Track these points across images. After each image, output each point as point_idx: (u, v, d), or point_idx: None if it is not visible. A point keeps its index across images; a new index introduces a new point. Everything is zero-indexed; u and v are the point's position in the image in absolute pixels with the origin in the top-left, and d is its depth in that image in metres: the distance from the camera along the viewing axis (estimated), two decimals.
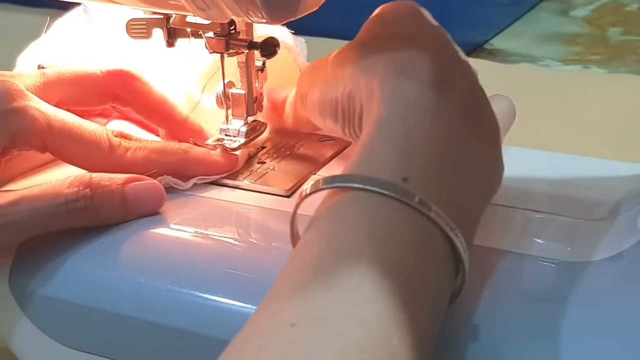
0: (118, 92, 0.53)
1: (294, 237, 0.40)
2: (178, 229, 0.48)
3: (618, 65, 1.05)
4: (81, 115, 0.51)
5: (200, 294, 0.44)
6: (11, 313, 0.48)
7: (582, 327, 0.40)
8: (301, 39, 0.60)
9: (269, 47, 0.53)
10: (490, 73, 1.00)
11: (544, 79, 1.00)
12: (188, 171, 0.51)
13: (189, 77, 0.56)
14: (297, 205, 0.40)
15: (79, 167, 0.50)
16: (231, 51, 0.52)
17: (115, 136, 0.50)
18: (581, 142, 0.81)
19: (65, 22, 0.58)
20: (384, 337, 0.33)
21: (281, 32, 0.57)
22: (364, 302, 0.34)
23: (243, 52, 0.52)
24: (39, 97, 0.49)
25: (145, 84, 0.54)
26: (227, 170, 0.53)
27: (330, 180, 0.38)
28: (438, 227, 0.37)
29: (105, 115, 0.56)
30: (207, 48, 0.52)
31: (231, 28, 0.52)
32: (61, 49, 0.57)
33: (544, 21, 1.22)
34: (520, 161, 0.54)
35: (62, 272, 0.47)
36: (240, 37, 0.52)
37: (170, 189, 0.51)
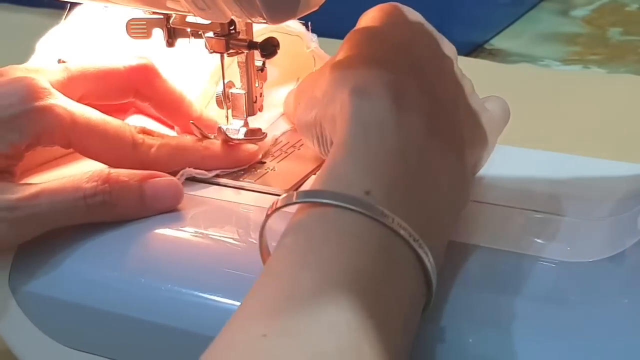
0: (139, 87, 0.54)
1: (263, 251, 0.41)
2: (178, 229, 0.48)
3: (618, 65, 1.05)
4: (101, 109, 0.51)
5: (200, 294, 0.44)
6: (11, 313, 0.48)
7: (582, 327, 0.40)
8: (313, 35, 0.60)
9: (269, 47, 0.53)
10: (490, 73, 1.00)
11: (544, 79, 1.00)
12: (210, 167, 0.52)
13: (204, 72, 0.57)
14: (266, 219, 0.41)
15: (103, 163, 0.50)
16: (231, 51, 0.52)
17: (139, 132, 0.51)
18: (581, 142, 0.81)
19: (84, 10, 0.58)
20: (354, 344, 0.34)
21: (292, 22, 0.57)
22: (334, 311, 0.34)
23: (243, 52, 0.52)
24: (63, 93, 0.49)
25: (165, 81, 0.54)
26: (249, 163, 0.53)
27: (303, 195, 0.39)
28: (403, 239, 0.38)
29: (123, 110, 0.56)
30: (207, 48, 0.52)
31: (231, 28, 0.52)
32: (80, 37, 0.57)
33: (544, 21, 1.22)
34: (520, 161, 0.55)
35: (62, 272, 0.47)
36: (240, 37, 0.52)
37: None
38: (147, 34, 0.53)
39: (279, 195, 0.51)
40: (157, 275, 0.46)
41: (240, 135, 0.54)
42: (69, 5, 0.58)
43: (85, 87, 0.52)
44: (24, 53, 0.58)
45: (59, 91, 0.49)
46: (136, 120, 0.55)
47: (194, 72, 0.57)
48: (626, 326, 0.40)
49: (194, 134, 0.54)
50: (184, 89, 0.55)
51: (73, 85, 0.51)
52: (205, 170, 0.52)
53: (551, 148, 0.57)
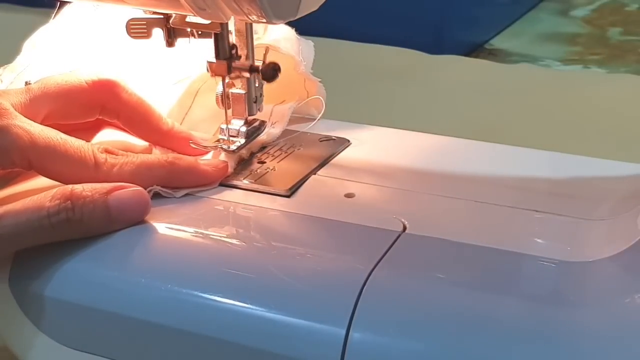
0: (105, 103, 0.53)
1: None
2: (178, 229, 0.48)
3: (618, 65, 1.05)
4: (72, 129, 0.50)
5: (200, 294, 0.44)
6: (11, 313, 0.48)
7: (582, 327, 0.40)
8: (310, 42, 0.59)
9: (270, 72, 0.53)
10: (490, 73, 1.00)
11: (544, 79, 1.00)
12: (177, 183, 0.51)
13: (181, 82, 0.56)
14: None
15: (64, 184, 0.49)
16: (232, 75, 0.53)
17: (101, 152, 0.49)
18: (581, 142, 0.81)
19: (73, 9, 0.58)
20: None
21: (287, 40, 0.57)
22: None
23: (244, 76, 0.53)
24: (26, 114, 0.48)
25: (132, 94, 0.53)
26: (217, 179, 0.52)
27: None
28: None
29: (96, 128, 0.55)
30: (208, 72, 0.53)
31: (232, 51, 0.52)
32: (66, 37, 0.57)
33: (544, 21, 1.22)
34: (520, 161, 0.55)
35: (62, 272, 0.47)
36: (242, 60, 0.53)
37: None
38: (147, 34, 0.53)
39: (279, 195, 0.51)
40: (157, 275, 0.46)
41: (242, 135, 0.54)
42: (58, 4, 0.58)
43: (49, 107, 0.51)
44: None
45: (22, 112, 0.48)
46: (110, 134, 0.54)
47: (171, 80, 0.56)
48: (626, 326, 0.40)
49: (165, 149, 0.53)
50: (154, 100, 0.54)
51: (35, 106, 0.50)
52: (175, 186, 0.51)
53: (551, 148, 0.57)
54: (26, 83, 0.53)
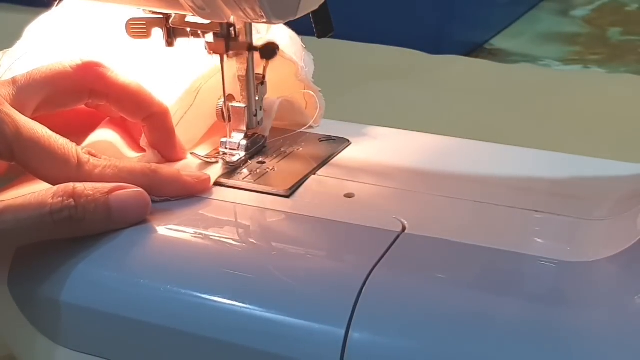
0: (92, 86, 0.52)
1: None
2: (178, 229, 0.48)
3: (618, 65, 1.05)
4: (65, 131, 0.50)
5: (200, 294, 0.44)
6: (11, 315, 0.48)
7: (582, 327, 0.40)
8: (310, 55, 0.59)
9: (269, 50, 0.52)
10: (490, 73, 1.00)
11: (544, 79, 1.00)
12: (158, 192, 0.50)
13: (184, 80, 0.56)
14: None
15: (44, 180, 0.49)
16: (230, 52, 0.52)
17: (85, 153, 0.49)
18: (581, 142, 0.81)
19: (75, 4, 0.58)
20: None
21: (291, 45, 0.57)
22: None
23: (242, 54, 0.52)
24: (14, 106, 0.48)
25: (118, 74, 0.53)
26: (199, 192, 0.51)
27: None
28: None
29: (90, 131, 0.55)
30: (206, 49, 0.52)
31: (230, 29, 0.52)
32: (68, 25, 0.57)
33: (544, 21, 1.22)
34: (520, 161, 0.55)
35: (62, 274, 0.47)
36: (240, 39, 0.52)
37: None
38: (147, 34, 0.53)
39: (279, 195, 0.51)
40: (157, 276, 0.46)
41: (242, 148, 0.54)
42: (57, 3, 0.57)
43: (37, 97, 0.50)
44: None
45: (10, 105, 0.48)
46: (102, 135, 0.54)
47: (178, 74, 0.56)
48: (626, 326, 0.40)
49: (156, 152, 0.53)
50: (164, 90, 0.54)
51: (23, 97, 0.50)
52: (156, 194, 0.50)
53: (551, 148, 0.57)
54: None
